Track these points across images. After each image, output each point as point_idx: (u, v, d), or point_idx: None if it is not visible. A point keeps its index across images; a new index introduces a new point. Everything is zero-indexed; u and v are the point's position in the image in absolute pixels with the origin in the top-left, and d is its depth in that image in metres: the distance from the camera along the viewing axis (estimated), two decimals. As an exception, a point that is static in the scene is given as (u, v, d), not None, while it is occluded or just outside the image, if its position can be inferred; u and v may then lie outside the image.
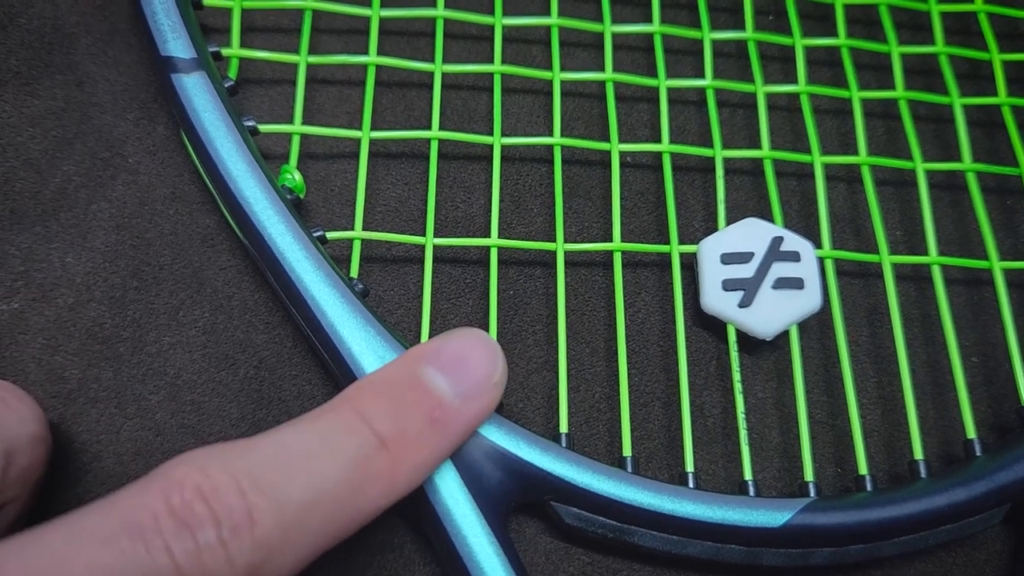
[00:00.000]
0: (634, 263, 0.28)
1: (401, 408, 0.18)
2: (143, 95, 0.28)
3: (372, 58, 0.27)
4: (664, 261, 0.28)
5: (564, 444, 0.23)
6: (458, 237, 0.27)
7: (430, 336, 0.25)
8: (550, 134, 0.28)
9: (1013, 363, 0.26)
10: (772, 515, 0.23)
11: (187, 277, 0.26)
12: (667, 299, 0.27)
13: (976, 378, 0.27)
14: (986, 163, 0.29)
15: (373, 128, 0.27)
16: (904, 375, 0.25)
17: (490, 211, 0.26)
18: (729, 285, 0.26)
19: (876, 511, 0.23)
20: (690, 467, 0.24)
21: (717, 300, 0.26)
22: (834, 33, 0.30)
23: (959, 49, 0.30)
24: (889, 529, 0.23)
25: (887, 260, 0.27)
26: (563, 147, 0.27)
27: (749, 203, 0.29)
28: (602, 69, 0.29)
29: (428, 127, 0.27)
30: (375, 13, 0.28)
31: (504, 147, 0.27)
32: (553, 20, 0.29)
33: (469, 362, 0.19)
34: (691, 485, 0.23)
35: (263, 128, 0.26)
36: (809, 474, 0.24)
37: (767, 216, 0.27)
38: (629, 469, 0.23)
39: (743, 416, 0.25)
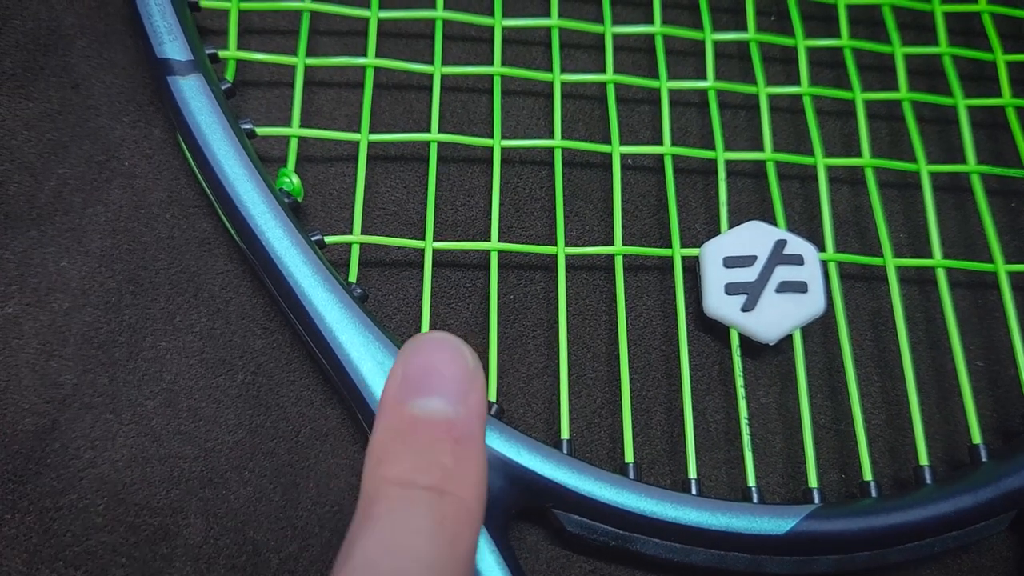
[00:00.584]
0: (635, 267, 0.27)
1: (426, 452, 0.17)
2: (139, 97, 0.28)
3: (371, 60, 0.27)
4: (666, 264, 0.27)
5: (565, 450, 0.23)
6: (458, 241, 0.26)
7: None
8: (551, 136, 0.28)
9: (1019, 367, 0.25)
10: (776, 522, 0.22)
11: (184, 282, 0.26)
12: (669, 303, 0.27)
13: (981, 382, 0.27)
14: (990, 165, 0.28)
15: (372, 131, 0.27)
16: (908, 379, 0.25)
17: (490, 214, 0.26)
18: (732, 289, 0.25)
19: (881, 518, 0.23)
20: (693, 473, 0.23)
21: (720, 304, 0.25)
22: (837, 34, 0.30)
23: (963, 50, 0.30)
24: (894, 536, 0.23)
25: (891, 263, 0.26)
26: (564, 149, 0.27)
27: (751, 206, 0.29)
28: (603, 71, 0.28)
29: (427, 130, 0.27)
30: (374, 14, 0.28)
31: (504, 150, 0.27)
32: (553, 21, 0.29)
33: (439, 368, 0.18)
34: (694, 492, 0.23)
35: (260, 131, 0.26)
36: (813, 480, 0.24)
37: (770, 219, 0.27)
38: (631, 476, 0.23)
39: (746, 421, 0.24)
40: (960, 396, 0.25)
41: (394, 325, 0.26)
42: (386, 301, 0.26)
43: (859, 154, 0.28)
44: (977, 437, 0.24)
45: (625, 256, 0.26)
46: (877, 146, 0.30)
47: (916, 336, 0.27)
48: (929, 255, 0.27)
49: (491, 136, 0.27)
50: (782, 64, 0.31)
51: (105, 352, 0.25)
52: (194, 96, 0.25)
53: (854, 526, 0.22)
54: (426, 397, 0.18)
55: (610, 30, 0.29)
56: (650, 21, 0.29)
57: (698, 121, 0.30)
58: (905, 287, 0.28)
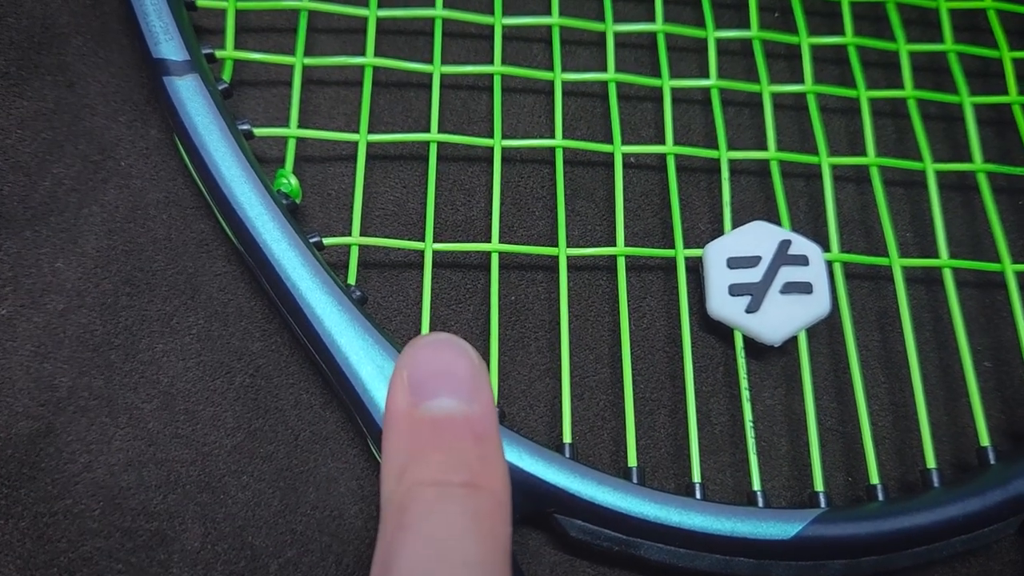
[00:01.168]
0: (638, 267, 0.27)
1: (451, 449, 0.17)
2: (136, 97, 0.28)
3: (369, 59, 0.27)
4: (669, 265, 0.27)
5: (568, 455, 0.23)
6: (458, 242, 0.26)
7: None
8: (552, 135, 0.28)
9: (1027, 368, 0.25)
10: (783, 527, 0.22)
11: (181, 283, 0.25)
12: (672, 304, 0.27)
13: (989, 383, 0.27)
14: (997, 163, 0.28)
15: (371, 130, 0.26)
16: (915, 381, 0.24)
17: (491, 215, 0.26)
18: (736, 290, 0.25)
19: (889, 522, 0.22)
20: (697, 477, 0.23)
21: (724, 305, 0.25)
22: (841, 31, 0.30)
23: (969, 47, 0.30)
24: (902, 540, 0.22)
25: (897, 263, 0.26)
26: (565, 149, 0.27)
27: (756, 205, 0.28)
28: (604, 69, 0.28)
29: (427, 129, 0.27)
30: (372, 13, 0.27)
31: (505, 149, 0.27)
32: (554, 19, 0.28)
33: (448, 368, 0.18)
34: (699, 496, 0.23)
35: (258, 131, 0.26)
36: (819, 484, 0.23)
37: (774, 218, 0.26)
38: (635, 480, 0.23)
39: (751, 424, 0.24)
40: (968, 397, 0.25)
41: (394, 327, 0.26)
42: (386, 303, 0.26)
43: (864, 153, 0.28)
44: (985, 439, 0.24)
45: (628, 257, 0.26)
46: (882, 144, 0.30)
47: (923, 337, 0.27)
48: (936, 255, 0.26)
49: (491, 135, 0.27)
50: (786, 61, 0.31)
51: (101, 354, 0.24)
52: (190, 97, 0.25)
53: (861, 530, 0.22)
54: (439, 398, 0.17)
55: (611, 28, 0.29)
56: (652, 18, 0.29)
57: (701, 119, 0.30)
58: (911, 287, 0.27)
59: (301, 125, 0.27)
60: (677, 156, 0.27)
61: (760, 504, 0.23)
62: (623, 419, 0.25)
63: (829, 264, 0.26)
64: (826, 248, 0.26)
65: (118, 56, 0.28)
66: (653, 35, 0.29)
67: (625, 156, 0.28)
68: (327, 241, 0.25)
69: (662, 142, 0.28)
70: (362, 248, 0.25)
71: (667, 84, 0.28)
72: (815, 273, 0.25)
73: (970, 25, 0.31)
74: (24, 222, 0.26)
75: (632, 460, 0.23)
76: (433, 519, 0.16)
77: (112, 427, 0.24)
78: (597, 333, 0.26)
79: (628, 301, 0.25)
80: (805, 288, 0.25)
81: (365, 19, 0.27)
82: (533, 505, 0.22)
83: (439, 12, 0.28)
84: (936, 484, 0.23)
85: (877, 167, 0.27)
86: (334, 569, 0.23)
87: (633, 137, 0.29)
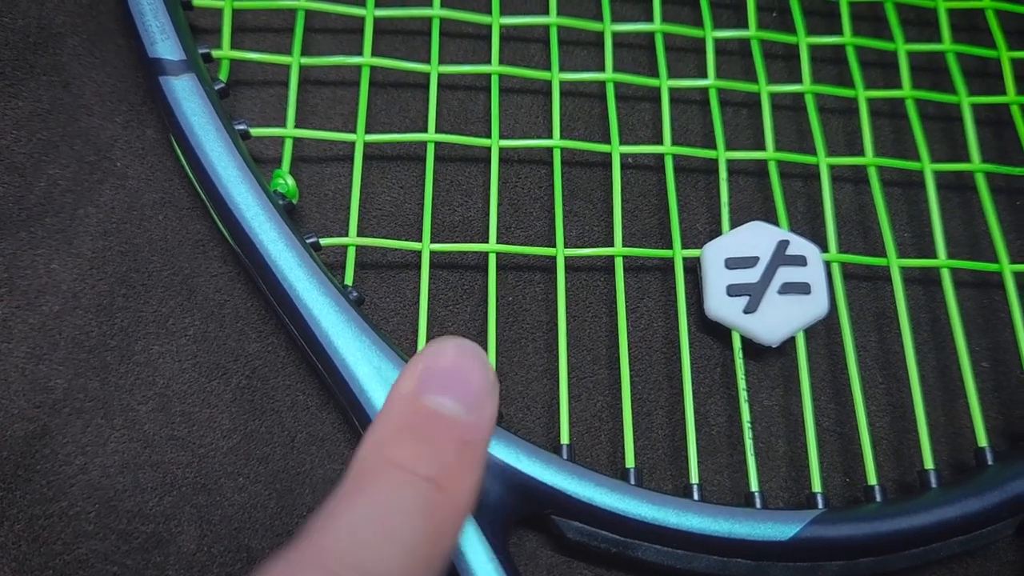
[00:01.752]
0: (636, 268, 0.27)
1: (432, 444, 0.18)
2: (132, 97, 0.27)
3: (367, 59, 0.27)
4: (667, 266, 0.27)
5: (565, 456, 0.23)
6: (455, 242, 0.26)
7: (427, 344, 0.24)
8: (549, 136, 0.27)
9: (1025, 368, 0.25)
10: (780, 528, 0.22)
11: (177, 284, 0.25)
12: (670, 305, 0.27)
13: (987, 384, 0.27)
14: (995, 163, 0.28)
15: (368, 131, 0.26)
16: (913, 381, 0.24)
17: (488, 215, 0.26)
18: (734, 290, 0.25)
19: (887, 523, 0.22)
20: (695, 478, 0.23)
21: (721, 306, 0.25)
22: (839, 31, 0.29)
23: (967, 47, 0.30)
24: (900, 542, 0.22)
25: (895, 263, 0.26)
26: (563, 149, 0.27)
27: (753, 205, 0.28)
28: (602, 69, 0.28)
29: (424, 129, 0.27)
30: (369, 12, 0.27)
31: (502, 149, 0.27)
32: (552, 19, 0.28)
33: (464, 374, 0.18)
34: (696, 497, 0.23)
35: (254, 131, 0.25)
36: (817, 484, 0.23)
37: (772, 219, 0.26)
38: (632, 481, 0.23)
39: (748, 425, 0.24)
40: (965, 398, 0.25)
41: (391, 328, 0.26)
42: (383, 304, 0.26)
43: (862, 153, 0.28)
44: (983, 440, 0.24)
45: (625, 257, 0.26)
46: (880, 144, 0.30)
47: (920, 337, 0.27)
48: (933, 255, 0.26)
49: (489, 136, 0.27)
50: (784, 61, 0.31)
51: (96, 356, 0.24)
52: (187, 97, 0.25)
53: (859, 532, 0.22)
54: (444, 396, 0.18)
55: (609, 28, 0.28)
56: (650, 18, 0.29)
57: (699, 120, 0.29)
58: (909, 287, 0.27)
59: (298, 125, 0.27)
60: (675, 156, 0.27)
61: (758, 505, 0.23)
62: (621, 420, 0.25)
63: (827, 264, 0.26)
64: (824, 248, 0.26)
65: (114, 56, 0.28)
66: (651, 35, 0.29)
67: (623, 156, 0.28)
68: (324, 242, 0.24)
69: (660, 142, 0.28)
70: (359, 249, 0.25)
71: (665, 84, 0.28)
72: (813, 273, 0.25)
73: (968, 25, 0.31)
74: (19, 223, 0.26)
75: (630, 461, 0.23)
76: (386, 495, 0.17)
77: (108, 429, 0.24)
78: (595, 334, 0.26)
79: (626, 302, 0.25)
80: (803, 288, 0.25)
81: (362, 19, 0.27)
82: (530, 507, 0.22)
83: (436, 12, 0.28)
84: (934, 485, 0.23)
85: (875, 167, 0.27)
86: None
87: (631, 137, 0.29)
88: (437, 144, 0.26)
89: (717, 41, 0.29)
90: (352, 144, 0.26)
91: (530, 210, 0.28)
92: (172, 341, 0.25)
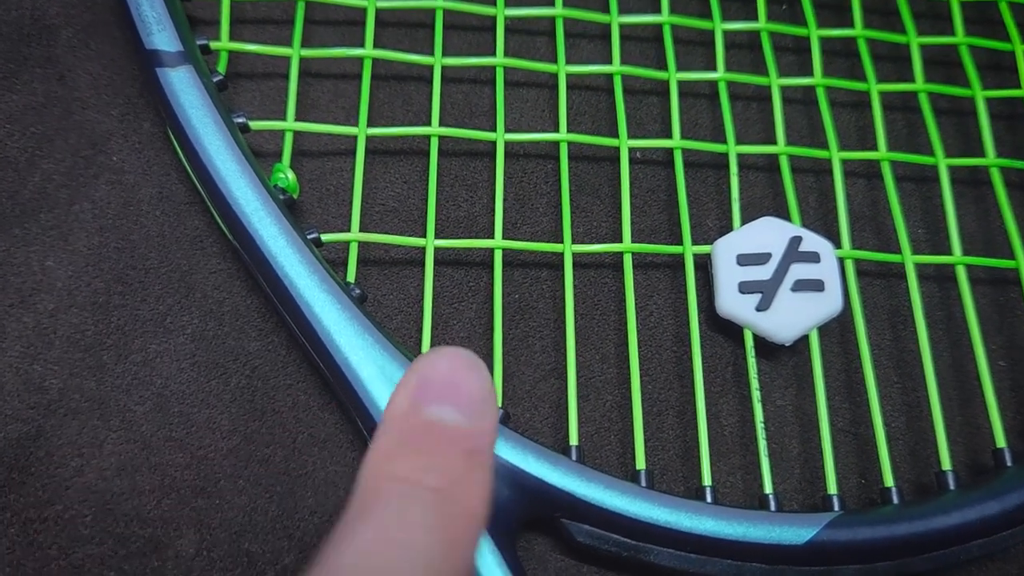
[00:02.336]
0: (645, 264, 0.27)
1: (437, 456, 0.17)
2: (128, 90, 0.27)
3: (369, 51, 0.26)
4: (677, 262, 0.26)
5: (574, 457, 0.22)
6: (460, 238, 0.25)
7: (431, 343, 0.24)
8: (556, 130, 0.27)
9: (1043, 367, 0.24)
10: (796, 531, 0.21)
11: (175, 281, 0.25)
12: (680, 302, 0.26)
13: (1004, 383, 0.26)
14: (1010, 158, 0.27)
15: (370, 124, 0.26)
16: (929, 380, 0.24)
17: (493, 211, 0.25)
18: (746, 287, 0.24)
19: (904, 526, 0.22)
20: (707, 480, 0.22)
21: (733, 303, 0.24)
22: (850, 23, 0.29)
23: (980, 40, 0.29)
24: (918, 545, 0.22)
25: (909, 260, 0.25)
26: (570, 143, 0.26)
27: (765, 201, 0.28)
28: (609, 61, 0.28)
29: (428, 123, 0.26)
30: (371, 3, 0.27)
31: (508, 143, 0.26)
32: (558, 11, 0.28)
33: (462, 383, 0.18)
34: (709, 500, 0.22)
35: (254, 125, 0.25)
36: (832, 486, 0.23)
37: (784, 215, 0.26)
38: (643, 483, 0.22)
39: (762, 425, 0.23)
40: (983, 397, 0.24)
41: (394, 326, 0.25)
42: (386, 301, 0.25)
43: (875, 147, 0.27)
44: (1001, 440, 0.24)
45: (634, 254, 0.25)
46: (893, 139, 0.29)
47: (936, 335, 0.26)
48: (948, 251, 0.26)
49: (494, 129, 0.26)
50: (794, 54, 0.30)
51: (92, 355, 0.24)
52: (184, 89, 0.24)
53: (876, 535, 0.22)
54: (443, 406, 0.17)
55: (617, 19, 0.28)
56: (658, 10, 0.28)
57: (708, 113, 0.29)
58: (924, 284, 0.27)
59: (299, 118, 0.26)
60: (684, 151, 0.27)
61: (772, 508, 0.22)
62: (630, 420, 0.24)
63: (841, 261, 0.25)
64: (837, 245, 0.25)
65: (109, 48, 0.27)
66: (659, 27, 0.29)
67: (631, 151, 0.27)
68: (325, 238, 0.24)
69: (669, 136, 0.27)
70: (362, 245, 0.25)
71: (674, 77, 0.27)
72: (826, 270, 0.25)
73: (981, 18, 0.31)
74: (13, 219, 0.25)
75: (640, 463, 0.22)
76: (396, 511, 0.16)
77: (104, 430, 0.23)
78: (603, 332, 0.26)
79: (635, 299, 0.25)
80: (816, 286, 0.24)
81: (364, 10, 0.27)
82: (539, 509, 0.22)
83: (440, 3, 0.27)
84: (952, 487, 0.23)
85: (888, 162, 0.27)
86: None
87: (639, 131, 0.28)
88: (441, 138, 0.26)
89: (726, 33, 0.28)
90: (354, 138, 0.25)
91: (536, 205, 0.27)
92: (170, 340, 0.24)
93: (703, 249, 0.25)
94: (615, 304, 0.26)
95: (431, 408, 0.17)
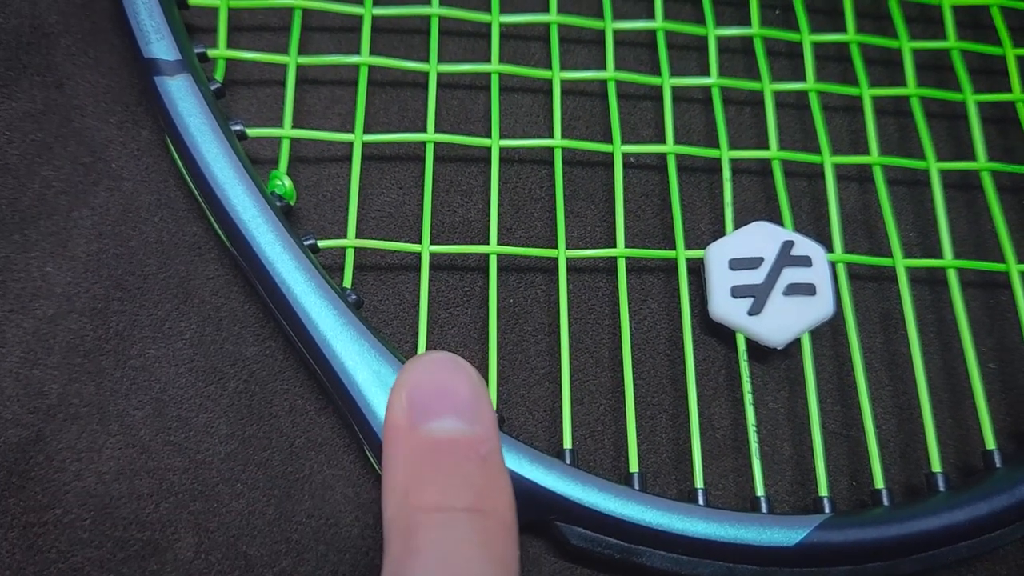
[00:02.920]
0: (639, 269, 0.27)
1: (454, 472, 0.17)
2: (127, 97, 0.27)
3: (365, 58, 0.26)
4: (670, 267, 0.27)
5: (568, 461, 0.22)
6: (455, 244, 0.26)
7: (427, 348, 0.24)
8: (550, 135, 0.27)
9: (1032, 370, 0.25)
10: (787, 533, 0.22)
11: (173, 287, 0.25)
12: (674, 306, 0.26)
13: (994, 385, 0.26)
14: (1001, 162, 0.28)
15: (366, 131, 0.26)
16: (920, 383, 0.24)
17: (489, 216, 0.25)
18: (738, 292, 0.25)
19: (894, 527, 0.22)
20: (700, 483, 0.23)
21: (726, 307, 0.25)
22: (843, 28, 0.29)
23: (972, 44, 0.29)
24: (908, 546, 0.22)
25: (901, 264, 0.26)
26: (564, 149, 0.27)
27: (757, 205, 0.28)
28: (603, 67, 0.28)
29: (423, 129, 0.26)
30: (367, 11, 0.27)
31: (503, 149, 0.26)
32: (552, 17, 0.28)
33: (449, 388, 0.17)
34: (701, 502, 0.22)
35: (251, 132, 0.25)
36: (823, 488, 0.23)
37: (776, 219, 0.26)
38: (636, 486, 0.22)
39: (754, 428, 0.24)
40: (973, 400, 0.24)
41: (390, 331, 0.25)
42: (382, 307, 0.25)
43: (867, 151, 0.27)
44: (991, 442, 0.24)
45: (628, 258, 0.25)
46: (885, 143, 0.29)
47: (927, 338, 0.27)
48: (939, 255, 0.26)
49: (489, 135, 0.26)
50: (787, 59, 0.30)
51: (91, 360, 0.24)
52: (182, 97, 0.24)
53: (866, 536, 0.22)
54: (442, 419, 0.17)
55: (611, 25, 0.28)
56: (651, 16, 0.29)
57: (702, 118, 0.29)
58: (915, 288, 0.27)
59: (295, 125, 0.26)
60: (678, 156, 0.27)
61: (763, 510, 0.23)
62: (624, 424, 0.24)
63: (832, 265, 0.25)
64: (829, 249, 0.26)
65: (108, 55, 0.28)
66: (653, 33, 0.29)
67: (625, 156, 0.27)
68: (322, 244, 0.24)
69: (662, 141, 0.27)
70: (358, 251, 0.25)
71: (667, 83, 0.28)
72: (818, 274, 0.25)
73: (973, 22, 0.31)
74: (13, 226, 0.25)
75: (633, 466, 0.23)
76: (442, 544, 0.16)
77: (103, 435, 0.23)
78: (597, 336, 0.26)
79: (628, 303, 0.25)
80: (808, 290, 0.25)
81: (360, 17, 0.27)
82: (533, 512, 0.22)
83: (435, 10, 0.27)
84: (941, 488, 0.23)
85: (880, 166, 0.27)
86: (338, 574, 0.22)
87: (633, 137, 0.29)
88: (436, 144, 0.26)
89: (720, 39, 0.29)
90: (350, 144, 0.26)
91: (531, 211, 0.27)
92: (168, 345, 0.24)
93: (696, 253, 0.26)
94: (609, 308, 0.26)
95: (430, 425, 0.17)
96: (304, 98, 0.28)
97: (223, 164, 0.24)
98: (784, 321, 0.24)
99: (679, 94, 0.29)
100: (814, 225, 0.28)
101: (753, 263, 0.25)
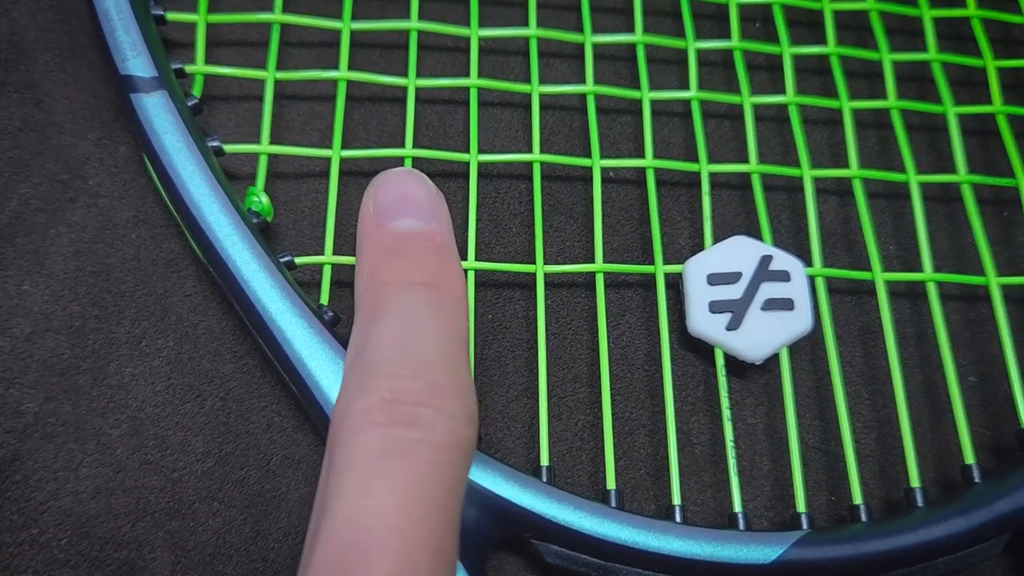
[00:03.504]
0: (617, 284, 0.27)
1: (413, 256, 0.21)
2: (104, 114, 0.27)
3: (343, 73, 0.26)
4: (649, 282, 0.27)
5: (545, 478, 0.22)
6: (433, 259, 0.26)
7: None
8: (529, 150, 0.27)
9: (1012, 382, 0.25)
10: (763, 550, 0.22)
11: (150, 304, 0.25)
12: (652, 322, 0.26)
13: (974, 399, 0.26)
14: (982, 174, 0.28)
15: (344, 146, 0.26)
16: (899, 397, 0.24)
17: (467, 231, 0.25)
18: (716, 307, 0.25)
19: (872, 543, 0.22)
20: (677, 499, 0.23)
21: (704, 323, 0.25)
22: (823, 40, 0.29)
23: (952, 56, 0.29)
24: (886, 562, 0.22)
25: (880, 277, 0.26)
26: (543, 163, 0.26)
27: (736, 219, 0.28)
28: (583, 81, 0.28)
29: (402, 144, 0.26)
30: (346, 26, 0.27)
31: (481, 164, 0.26)
32: (531, 31, 0.28)
33: (411, 194, 0.22)
34: (678, 519, 0.22)
35: (228, 148, 0.25)
36: (801, 504, 0.23)
37: (755, 233, 0.26)
38: (613, 503, 0.22)
39: (732, 443, 0.23)
40: (952, 414, 0.24)
41: (368, 347, 0.25)
42: (360, 323, 0.25)
43: (847, 164, 0.27)
44: (970, 457, 0.24)
45: (606, 273, 0.25)
46: (865, 156, 0.29)
47: (907, 352, 0.27)
48: (919, 268, 0.26)
49: (467, 150, 0.26)
50: (767, 72, 0.30)
51: (68, 379, 0.24)
52: (158, 115, 0.24)
53: (843, 553, 0.22)
54: (402, 219, 0.21)
55: (590, 39, 0.28)
56: (631, 30, 0.29)
57: (681, 132, 0.29)
58: (895, 301, 0.27)
59: (273, 141, 0.26)
60: (657, 170, 0.27)
61: (741, 526, 0.22)
62: (602, 439, 0.24)
63: (811, 279, 0.25)
64: (808, 263, 0.25)
65: (87, 72, 0.27)
66: (632, 46, 0.29)
67: (604, 170, 0.27)
68: (299, 260, 0.24)
69: (641, 156, 0.27)
70: (335, 267, 0.25)
71: (647, 96, 0.28)
72: (797, 289, 0.25)
73: (954, 34, 0.31)
74: (-11, 243, 0.25)
75: (611, 483, 0.23)
76: (403, 308, 0.20)
77: (80, 453, 0.23)
78: (575, 352, 0.26)
79: (607, 319, 0.25)
80: (787, 304, 0.25)
81: (339, 32, 0.27)
82: (509, 530, 0.22)
83: (414, 24, 0.27)
84: (920, 504, 0.23)
85: (860, 179, 0.27)
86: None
87: (612, 151, 0.28)
88: (415, 159, 0.26)
89: (699, 52, 0.29)
90: (328, 160, 0.25)
91: (510, 226, 0.27)
92: (145, 363, 0.24)
93: (675, 268, 0.26)
94: (587, 324, 0.26)
95: (394, 223, 0.21)
96: (282, 114, 0.28)
97: (198, 181, 0.24)
98: (762, 336, 0.24)
99: (658, 108, 0.29)
100: (793, 239, 0.28)
101: (731, 278, 0.25)
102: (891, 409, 0.26)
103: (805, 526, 0.23)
